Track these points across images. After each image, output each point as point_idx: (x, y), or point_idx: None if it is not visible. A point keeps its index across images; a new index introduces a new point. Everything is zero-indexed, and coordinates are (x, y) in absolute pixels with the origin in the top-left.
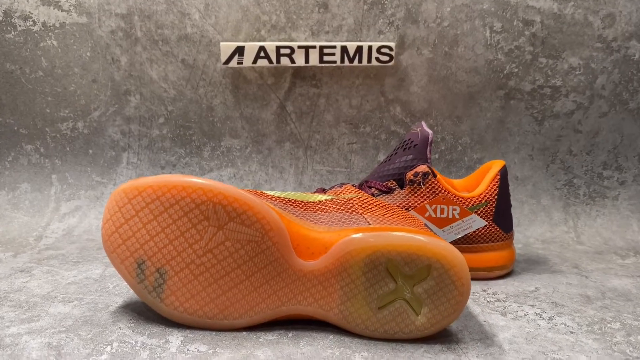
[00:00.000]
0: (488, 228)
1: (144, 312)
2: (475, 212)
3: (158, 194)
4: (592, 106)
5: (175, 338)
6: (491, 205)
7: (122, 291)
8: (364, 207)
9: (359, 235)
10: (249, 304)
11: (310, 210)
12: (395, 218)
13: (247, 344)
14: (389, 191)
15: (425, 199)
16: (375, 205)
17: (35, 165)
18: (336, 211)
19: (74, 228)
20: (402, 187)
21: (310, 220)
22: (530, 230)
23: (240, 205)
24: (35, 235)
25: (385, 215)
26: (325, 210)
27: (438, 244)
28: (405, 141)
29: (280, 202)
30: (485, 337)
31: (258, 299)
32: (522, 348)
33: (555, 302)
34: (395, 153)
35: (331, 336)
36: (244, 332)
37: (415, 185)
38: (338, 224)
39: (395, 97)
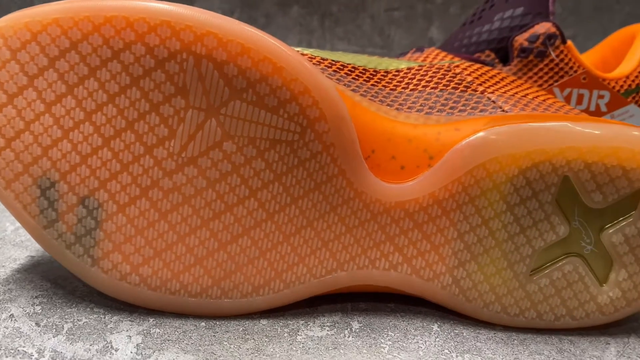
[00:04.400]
0: None
1: (61, 282)
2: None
3: (75, 36)
4: None
5: (125, 339)
6: None
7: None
8: (483, 81)
9: (503, 130)
10: (274, 268)
11: (384, 85)
12: (544, 100)
13: (273, 350)
14: None
15: (546, 79)
16: (501, 79)
17: None
18: (434, 87)
19: None
20: (505, 62)
21: (388, 104)
22: None
23: (256, 63)
24: None
25: (527, 96)
26: (412, 86)
27: None
28: None
29: (328, 67)
30: None
31: (292, 256)
32: None
33: None
34: (491, 7)
35: (435, 327)
36: (262, 322)
37: (531, 56)
38: (442, 110)
39: None
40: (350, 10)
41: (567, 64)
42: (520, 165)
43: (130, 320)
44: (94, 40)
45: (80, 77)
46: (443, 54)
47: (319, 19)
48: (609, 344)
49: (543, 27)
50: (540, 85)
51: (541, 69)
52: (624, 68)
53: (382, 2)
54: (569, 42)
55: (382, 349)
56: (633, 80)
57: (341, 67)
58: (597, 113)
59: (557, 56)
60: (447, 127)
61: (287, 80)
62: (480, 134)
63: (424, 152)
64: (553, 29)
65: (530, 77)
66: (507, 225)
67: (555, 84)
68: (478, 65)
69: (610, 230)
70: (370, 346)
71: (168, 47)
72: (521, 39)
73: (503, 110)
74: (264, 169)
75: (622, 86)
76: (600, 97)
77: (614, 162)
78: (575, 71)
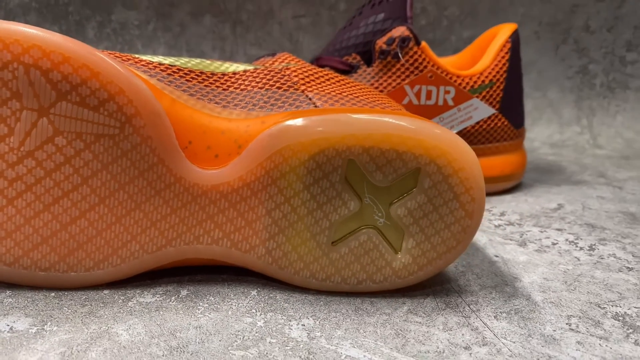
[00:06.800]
0: (493, 120)
1: None
2: (477, 97)
3: None
4: None
5: None
6: (498, 87)
7: None
8: (308, 81)
9: (297, 121)
10: (111, 245)
11: (217, 85)
12: (358, 96)
13: (103, 313)
14: (349, 70)
15: (403, 78)
16: (327, 79)
17: None
18: (261, 87)
19: None
20: (369, 64)
21: (216, 102)
22: (535, 131)
23: (76, 69)
24: None
25: (342, 94)
26: (243, 87)
27: (433, 132)
28: None
29: (162, 71)
30: (502, 284)
31: (125, 235)
32: (564, 298)
33: (591, 224)
34: (360, 13)
35: (254, 292)
36: (104, 292)
37: (389, 57)
38: (263, 107)
39: None
40: (259, 17)
41: (421, 63)
42: (310, 151)
43: None
44: None
45: None
46: (290, 58)
47: (230, 26)
48: (405, 303)
49: (398, 31)
50: (398, 84)
51: (398, 69)
52: (479, 66)
53: (289, 10)
54: (424, 44)
55: (197, 311)
56: (487, 77)
57: (176, 71)
58: (444, 107)
59: (412, 57)
60: (255, 121)
61: (104, 82)
62: (278, 125)
63: (235, 142)
64: (407, 32)
65: (390, 77)
66: (306, 202)
67: (407, 80)
68: (310, 67)
69: (396, 205)
70: (188, 308)
71: (1, 59)
72: (380, 42)
73: (315, 106)
74: (92, 159)
75: (475, 82)
76: (447, 92)
77: (387, 146)
78: (423, 69)
